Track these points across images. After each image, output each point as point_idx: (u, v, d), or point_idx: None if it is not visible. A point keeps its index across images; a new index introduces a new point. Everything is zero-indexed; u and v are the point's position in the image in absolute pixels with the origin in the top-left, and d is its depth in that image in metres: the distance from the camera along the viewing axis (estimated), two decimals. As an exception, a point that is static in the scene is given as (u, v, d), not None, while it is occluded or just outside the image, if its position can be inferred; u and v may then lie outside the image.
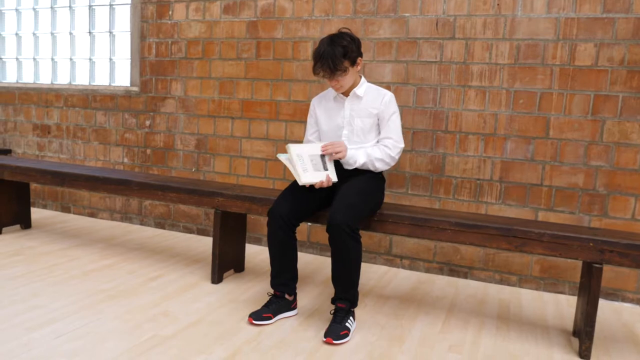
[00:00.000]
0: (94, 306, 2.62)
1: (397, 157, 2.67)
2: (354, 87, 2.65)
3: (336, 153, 2.56)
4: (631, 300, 3.12)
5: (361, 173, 2.65)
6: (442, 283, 3.34)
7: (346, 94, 2.67)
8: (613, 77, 3.05)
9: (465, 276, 3.43)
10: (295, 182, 2.65)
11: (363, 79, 2.69)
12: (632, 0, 2.97)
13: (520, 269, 3.31)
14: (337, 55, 2.47)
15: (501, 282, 3.35)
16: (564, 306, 3.04)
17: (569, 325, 2.75)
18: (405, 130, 3.46)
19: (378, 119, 2.65)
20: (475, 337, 2.54)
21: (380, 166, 2.64)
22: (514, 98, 3.23)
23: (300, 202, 2.59)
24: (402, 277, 3.41)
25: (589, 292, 2.36)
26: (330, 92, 2.76)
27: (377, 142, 2.68)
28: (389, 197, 3.52)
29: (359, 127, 2.65)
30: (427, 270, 3.52)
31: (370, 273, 3.45)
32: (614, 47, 3.03)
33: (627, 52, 3.01)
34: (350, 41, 2.52)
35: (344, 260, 2.43)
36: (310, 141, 2.84)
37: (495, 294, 3.18)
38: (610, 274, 3.14)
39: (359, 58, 2.58)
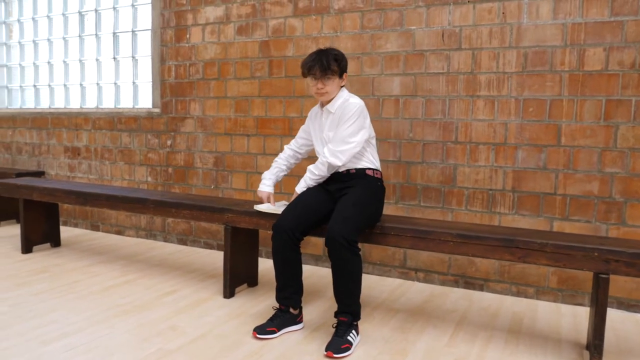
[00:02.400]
0: (107, 321, 2.71)
1: (332, 160, 2.64)
2: (329, 102, 2.73)
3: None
4: (654, 312, 3.00)
5: (357, 184, 2.68)
6: (456, 296, 3.29)
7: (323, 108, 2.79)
8: (625, 81, 2.97)
9: (481, 288, 3.37)
10: (298, 198, 2.73)
11: (342, 91, 2.74)
12: (641, 2, 2.90)
13: (537, 281, 3.23)
14: (330, 58, 2.62)
15: (518, 294, 3.28)
16: (581, 318, 2.95)
17: (584, 338, 2.66)
18: (415, 142, 3.46)
19: None
20: (482, 350, 2.49)
21: (313, 177, 2.72)
22: (524, 106, 3.18)
23: (305, 216, 2.62)
24: (415, 290, 3.38)
25: (597, 303, 2.30)
26: (318, 105, 2.87)
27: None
28: (401, 210, 3.52)
29: (329, 139, 2.74)
30: (443, 283, 3.47)
31: (384, 286, 3.44)
32: (624, 50, 2.95)
33: (638, 55, 2.93)
34: (340, 53, 2.68)
35: (343, 273, 2.44)
36: (298, 146, 3.05)
37: (510, 307, 3.11)
38: (632, 284, 3.03)
39: (345, 73, 2.71)
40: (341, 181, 2.72)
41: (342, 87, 2.73)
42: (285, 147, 3.08)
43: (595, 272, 2.32)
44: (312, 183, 2.74)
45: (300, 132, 3.03)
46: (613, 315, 3.00)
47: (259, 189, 3.01)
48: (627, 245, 2.31)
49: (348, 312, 2.49)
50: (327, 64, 2.60)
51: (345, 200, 2.57)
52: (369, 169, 2.74)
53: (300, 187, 2.76)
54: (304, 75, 2.70)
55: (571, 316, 2.98)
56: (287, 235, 2.56)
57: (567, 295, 3.17)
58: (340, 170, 2.73)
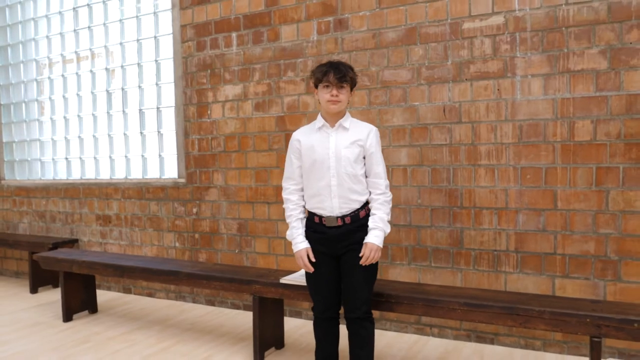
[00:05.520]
0: (151, 392, 2.99)
1: (390, 197, 2.73)
2: (340, 118, 2.71)
3: (375, 255, 2.63)
4: (654, 362, 3.23)
5: (359, 241, 2.66)
6: (468, 351, 3.53)
7: (332, 125, 2.70)
8: (612, 150, 3.26)
9: (492, 342, 3.62)
10: (315, 277, 2.79)
11: (348, 113, 2.77)
12: (622, 79, 3.21)
13: (543, 334, 3.47)
14: (347, 66, 2.64)
15: (526, 347, 3.52)
16: (586, 371, 3.18)
17: (588, 391, 2.90)
18: (423, 207, 3.75)
19: (364, 151, 2.69)
20: (494, 409, 2.73)
21: (388, 220, 2.70)
22: (521, 174, 3.48)
23: (333, 296, 2.79)
24: (431, 347, 3.62)
25: (593, 365, 2.55)
26: (313, 125, 2.79)
27: (366, 177, 2.72)
28: (414, 271, 3.79)
29: (346, 157, 2.65)
30: (456, 338, 3.72)
31: (401, 343, 3.69)
32: (609, 122, 3.25)
33: (622, 126, 3.22)
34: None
35: (358, 340, 2.73)
36: (297, 178, 2.80)
37: (519, 361, 3.36)
38: (632, 335, 3.26)
39: (354, 89, 2.72)
40: (339, 241, 2.68)
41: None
42: (287, 196, 2.83)
43: (589, 335, 2.57)
44: (389, 229, 2.70)
45: (294, 162, 2.80)
46: (616, 366, 3.23)
47: (296, 250, 2.76)
48: (616, 311, 2.57)
49: None
50: (345, 71, 2.59)
51: (355, 277, 2.68)
52: (362, 207, 2.71)
53: (380, 240, 2.64)
54: (317, 81, 2.64)
55: (577, 369, 3.22)
56: (327, 322, 2.83)
57: (572, 347, 3.41)
58: (336, 224, 2.67)
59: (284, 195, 2.84)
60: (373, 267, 2.74)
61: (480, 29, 3.54)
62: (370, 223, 2.67)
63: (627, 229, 3.25)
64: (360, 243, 2.67)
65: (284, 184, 2.85)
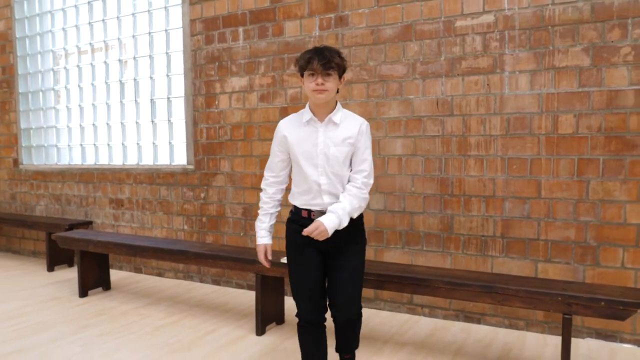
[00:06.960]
0: (162, 358, 3.27)
1: (368, 196, 2.54)
2: (330, 112, 2.47)
3: (319, 234, 2.38)
4: (628, 341, 3.46)
5: (350, 241, 2.55)
6: (456, 329, 3.79)
7: (320, 119, 2.48)
8: (593, 142, 3.47)
9: (478, 322, 3.87)
10: (302, 276, 2.61)
11: (339, 104, 2.52)
12: (603, 75, 3.42)
13: (526, 314, 3.72)
14: (333, 52, 2.39)
15: (510, 326, 3.77)
16: (564, 348, 3.42)
17: (563, 366, 3.14)
18: (417, 195, 4.00)
19: (354, 149, 2.49)
20: (474, 379, 2.99)
21: (357, 213, 2.50)
22: (508, 164, 3.70)
23: (321, 297, 2.61)
24: (421, 325, 3.88)
25: (563, 339, 2.79)
26: (300, 116, 2.56)
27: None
28: (407, 254, 4.04)
29: (334, 155, 2.46)
30: (445, 317, 3.98)
31: (394, 321, 3.95)
32: (591, 116, 3.47)
33: (603, 120, 3.44)
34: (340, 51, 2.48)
35: (348, 334, 2.74)
36: (277, 171, 2.64)
37: (502, 338, 3.60)
38: (608, 316, 3.50)
39: (344, 76, 2.47)
40: (333, 238, 2.45)
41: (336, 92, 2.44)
42: (264, 186, 2.68)
43: (561, 313, 2.81)
44: (346, 223, 2.43)
45: (277, 155, 2.61)
46: (592, 345, 3.47)
47: (257, 243, 2.73)
48: (586, 291, 2.81)
49: (351, 349, 2.85)
50: (330, 56, 2.34)
51: (345, 276, 2.56)
52: None
53: (332, 226, 2.38)
54: (301, 70, 2.41)
55: (554, 346, 3.45)
56: (315, 327, 2.61)
57: (552, 327, 3.65)
58: None
59: (262, 184, 2.70)
60: (360, 265, 2.62)
61: (472, 26, 3.75)
62: (331, 207, 2.44)
63: (605, 217, 3.47)
64: (348, 240, 2.54)
65: (265, 173, 2.69)
